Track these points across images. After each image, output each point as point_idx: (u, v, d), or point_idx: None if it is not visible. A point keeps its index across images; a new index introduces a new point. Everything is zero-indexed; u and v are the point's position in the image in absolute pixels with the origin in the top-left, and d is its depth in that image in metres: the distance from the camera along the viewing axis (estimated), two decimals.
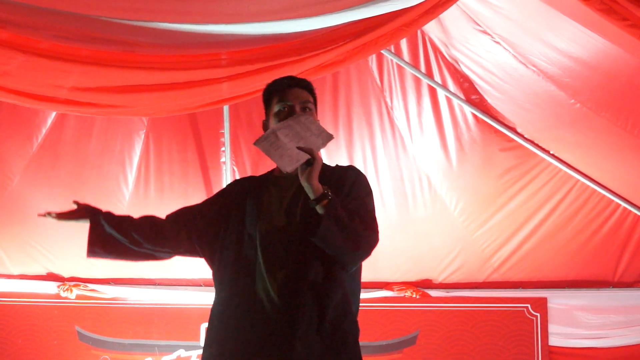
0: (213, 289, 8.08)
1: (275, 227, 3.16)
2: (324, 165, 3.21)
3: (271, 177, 3.33)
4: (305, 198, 3.08)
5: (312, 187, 3.00)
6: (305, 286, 3.06)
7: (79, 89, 3.99)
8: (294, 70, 4.06)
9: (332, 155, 6.48)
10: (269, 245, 3.13)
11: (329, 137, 3.09)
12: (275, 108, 3.22)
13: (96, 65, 3.82)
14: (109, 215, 3.50)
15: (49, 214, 3.44)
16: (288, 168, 2.99)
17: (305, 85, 3.29)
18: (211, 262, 3.33)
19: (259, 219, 3.18)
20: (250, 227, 3.18)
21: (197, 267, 7.52)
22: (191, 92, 4.06)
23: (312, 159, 2.99)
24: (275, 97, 3.26)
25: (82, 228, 7.17)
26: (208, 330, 3.28)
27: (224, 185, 6.79)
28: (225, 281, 3.21)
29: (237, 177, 6.74)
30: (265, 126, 3.31)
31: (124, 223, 3.50)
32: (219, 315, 3.23)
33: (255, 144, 3.03)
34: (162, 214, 7.13)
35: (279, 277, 3.08)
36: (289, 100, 3.22)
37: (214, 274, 3.32)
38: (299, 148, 3.00)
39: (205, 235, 3.33)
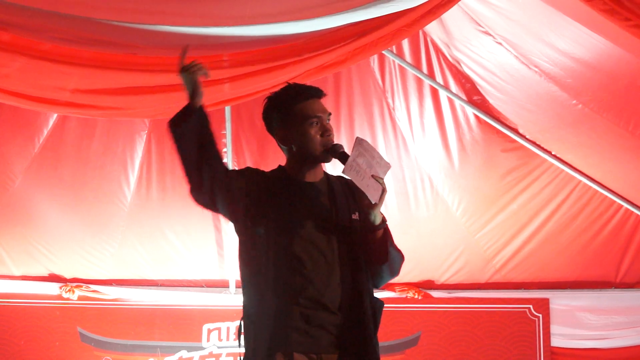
0: (214, 290, 8.07)
1: (321, 235, 3.25)
2: (338, 176, 3.42)
3: (298, 180, 3.34)
4: (340, 210, 3.28)
5: (379, 215, 3.21)
6: (363, 296, 3.25)
7: (80, 91, 3.98)
8: (296, 71, 4.06)
9: None
10: (316, 252, 3.21)
11: (388, 166, 3.21)
12: (308, 119, 3.26)
13: (97, 68, 3.82)
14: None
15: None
16: (375, 199, 3.14)
17: (323, 96, 3.36)
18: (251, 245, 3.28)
19: (301, 224, 3.24)
20: (291, 230, 3.22)
21: (199, 268, 7.53)
22: None
23: (384, 190, 3.17)
24: (302, 106, 3.29)
25: (83, 228, 7.19)
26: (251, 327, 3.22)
27: None
28: (268, 275, 3.20)
29: None
30: (285, 135, 3.31)
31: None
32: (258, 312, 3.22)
33: (344, 173, 3.12)
34: (164, 215, 7.19)
35: (328, 283, 3.19)
36: (318, 112, 3.29)
37: (252, 258, 3.27)
38: (373, 177, 3.15)
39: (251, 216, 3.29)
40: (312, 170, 3.33)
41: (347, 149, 3.20)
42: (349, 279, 3.21)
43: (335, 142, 3.29)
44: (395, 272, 3.37)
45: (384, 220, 3.25)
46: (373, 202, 3.13)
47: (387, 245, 3.26)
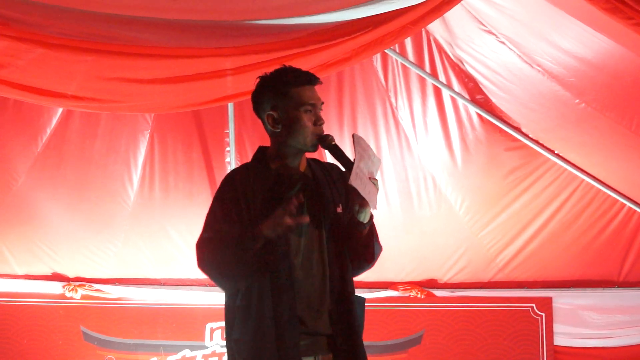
0: (217, 289, 8.08)
1: (310, 232, 3.21)
2: (315, 160, 3.38)
3: (281, 173, 3.26)
4: (326, 204, 3.24)
5: (369, 214, 3.17)
6: (350, 293, 3.24)
7: (87, 80, 3.98)
8: (301, 66, 4.04)
9: None
10: (303, 251, 3.18)
11: (379, 162, 3.19)
12: (302, 106, 3.19)
13: (103, 54, 3.80)
14: None
15: None
16: (374, 203, 3.10)
17: (319, 84, 3.28)
18: None
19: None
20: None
21: None
22: (195, 86, 4.04)
23: (377, 190, 3.15)
24: (298, 90, 3.21)
25: (86, 227, 7.20)
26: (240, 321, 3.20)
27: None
28: (263, 278, 3.16)
29: None
30: (275, 119, 3.23)
31: None
32: (252, 308, 3.18)
33: (351, 183, 3.01)
34: (168, 214, 7.20)
35: (320, 281, 3.18)
36: (311, 99, 3.22)
37: None
38: (370, 179, 3.10)
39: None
40: (297, 160, 3.27)
41: (349, 153, 3.16)
42: (337, 275, 3.19)
43: (326, 133, 3.23)
44: (373, 264, 3.35)
45: (371, 218, 3.20)
46: (373, 208, 3.10)
47: (372, 242, 3.22)
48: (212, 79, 4.00)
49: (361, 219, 3.15)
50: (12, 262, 7.37)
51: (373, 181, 3.11)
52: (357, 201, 3.11)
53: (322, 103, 3.27)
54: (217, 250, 3.12)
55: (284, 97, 3.21)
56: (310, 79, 3.25)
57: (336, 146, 3.19)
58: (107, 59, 3.84)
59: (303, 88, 3.21)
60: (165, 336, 7.48)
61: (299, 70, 3.29)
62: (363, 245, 3.23)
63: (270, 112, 3.23)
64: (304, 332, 3.11)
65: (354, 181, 3.01)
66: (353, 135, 3.13)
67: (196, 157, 6.91)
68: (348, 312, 3.18)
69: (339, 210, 3.26)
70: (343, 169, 3.24)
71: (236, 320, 3.19)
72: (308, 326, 3.12)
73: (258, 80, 3.28)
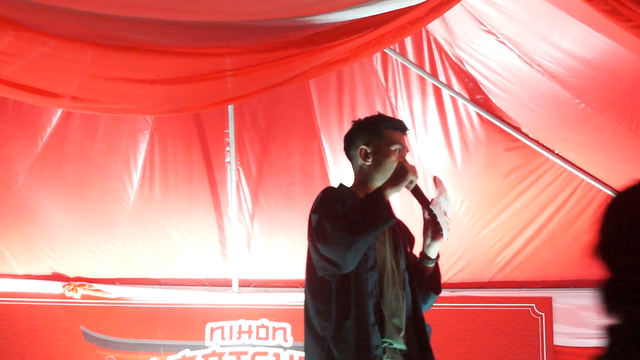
0: (217, 289, 8.08)
1: (390, 265, 3.50)
2: None
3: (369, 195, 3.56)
4: (403, 244, 3.62)
5: (436, 251, 3.60)
6: (425, 324, 3.61)
7: (87, 80, 3.98)
8: (301, 67, 4.05)
9: (337, 156, 6.48)
10: (387, 282, 3.44)
11: (453, 207, 3.59)
12: (392, 145, 3.57)
13: (104, 53, 3.81)
14: None
15: None
16: (446, 236, 3.50)
17: (407, 132, 3.70)
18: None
19: (381, 253, 3.49)
20: (374, 259, 3.44)
21: (203, 267, 7.53)
22: (195, 87, 4.04)
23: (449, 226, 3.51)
24: (391, 132, 3.60)
25: (86, 227, 7.20)
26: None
27: (229, 186, 6.83)
28: (351, 301, 3.37)
29: (242, 177, 6.75)
30: (367, 153, 3.62)
31: None
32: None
33: (431, 207, 3.46)
34: (167, 214, 7.21)
35: (403, 312, 3.48)
36: (402, 144, 3.60)
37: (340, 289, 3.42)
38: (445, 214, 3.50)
39: None
40: None
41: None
42: (412, 299, 3.49)
43: None
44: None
45: (439, 255, 3.59)
46: (445, 239, 3.46)
47: (440, 275, 3.60)
48: (212, 80, 4.00)
49: (429, 254, 3.54)
50: (12, 262, 7.38)
51: (447, 219, 3.48)
52: (429, 235, 3.53)
53: (408, 151, 3.66)
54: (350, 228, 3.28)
55: (377, 135, 3.61)
56: (401, 126, 3.67)
57: (417, 187, 3.53)
58: (107, 58, 3.85)
59: (394, 131, 3.62)
60: (165, 336, 7.48)
61: (391, 117, 3.83)
62: (432, 279, 3.59)
63: (363, 147, 3.61)
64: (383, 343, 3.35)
65: (433, 207, 3.44)
66: (435, 178, 3.63)
67: (196, 157, 6.91)
68: (421, 332, 3.53)
69: (409, 249, 3.62)
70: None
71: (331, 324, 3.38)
72: (387, 336, 3.37)
73: (353, 123, 3.76)
